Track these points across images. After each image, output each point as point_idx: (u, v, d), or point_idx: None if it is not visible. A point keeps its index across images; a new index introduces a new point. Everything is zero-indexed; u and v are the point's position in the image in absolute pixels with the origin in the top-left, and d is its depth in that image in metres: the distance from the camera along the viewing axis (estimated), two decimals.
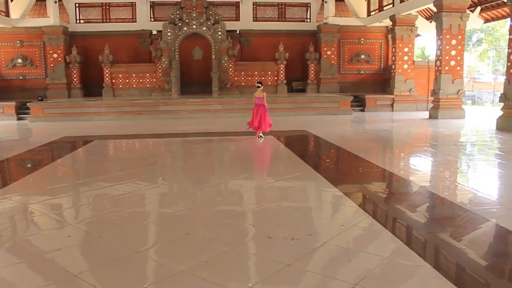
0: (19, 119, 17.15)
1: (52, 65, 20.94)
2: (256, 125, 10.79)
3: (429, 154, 9.14)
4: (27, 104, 16.81)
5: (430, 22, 22.86)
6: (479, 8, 19.55)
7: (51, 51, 20.86)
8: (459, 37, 15.45)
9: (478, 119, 16.14)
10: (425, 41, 43.94)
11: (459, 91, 15.69)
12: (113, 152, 10.29)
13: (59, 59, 20.91)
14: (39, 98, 18.35)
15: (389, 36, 22.04)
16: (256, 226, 4.32)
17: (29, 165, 8.39)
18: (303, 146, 10.73)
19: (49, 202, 5.44)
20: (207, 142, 10.97)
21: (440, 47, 15.52)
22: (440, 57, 15.58)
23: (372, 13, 21.98)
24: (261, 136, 10.81)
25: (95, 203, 5.44)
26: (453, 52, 15.45)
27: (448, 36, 15.34)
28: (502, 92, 12.78)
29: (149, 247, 3.81)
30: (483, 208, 4.91)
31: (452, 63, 15.51)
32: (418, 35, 22.54)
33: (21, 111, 17.44)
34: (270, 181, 6.44)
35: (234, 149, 10.19)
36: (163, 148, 10.62)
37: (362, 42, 22.52)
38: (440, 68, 15.61)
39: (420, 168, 7.79)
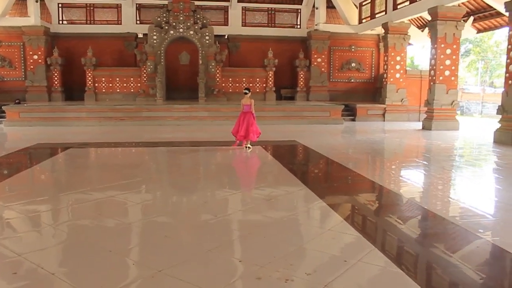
0: None
1: (32, 67, 20.09)
2: (242, 134, 10.14)
3: (427, 168, 8.57)
4: (2, 107, 15.96)
5: (422, 31, 22.60)
6: (472, 18, 19.25)
7: (31, 52, 20.02)
8: (454, 46, 15.02)
9: (473, 131, 15.72)
10: (415, 50, 43.92)
11: (453, 101, 15.24)
12: (88, 162, 9.45)
13: (40, 60, 20.08)
14: (16, 101, 17.54)
15: (381, 44, 21.63)
16: (244, 262, 3.66)
17: None
18: (293, 159, 10.11)
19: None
20: (192, 152, 10.29)
21: (435, 56, 15.07)
22: (434, 67, 15.13)
23: (363, 21, 21.55)
24: (248, 147, 10.16)
25: (57, 228, 4.74)
26: (447, 62, 15.01)
27: (442, 45, 14.90)
28: (500, 104, 12.32)
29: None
30: (474, 223, 4.63)
31: (447, 73, 15.06)
32: (410, 44, 22.16)
33: None
34: (259, 200, 5.78)
35: (220, 161, 9.51)
36: (144, 158, 9.91)
37: (353, 50, 22.07)
38: (434, 78, 15.15)
39: (418, 184, 7.21)
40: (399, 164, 9.37)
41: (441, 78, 15.08)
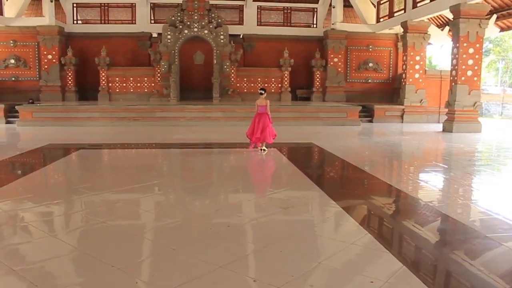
0: (7, 122, 16.16)
1: (46, 66, 20.00)
2: (258, 136, 9.78)
3: (453, 174, 8.12)
4: (16, 107, 15.83)
5: (442, 30, 22.01)
6: (495, 16, 18.59)
7: (45, 52, 19.92)
8: (477, 45, 14.48)
9: (496, 133, 15.15)
10: (433, 50, 43.08)
11: (475, 103, 14.70)
12: (98, 164, 9.13)
13: (54, 60, 19.96)
14: (30, 101, 17.42)
15: (399, 44, 21.10)
16: (258, 281, 3.31)
17: None
18: (310, 162, 9.72)
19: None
20: (205, 154, 9.99)
21: (457, 56, 14.55)
22: (456, 67, 14.60)
23: (381, 20, 21.04)
24: (264, 149, 9.82)
25: (51, 240, 4.45)
26: (470, 62, 14.47)
27: (465, 44, 14.37)
28: None
29: None
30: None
31: (469, 73, 14.52)
32: (429, 43, 21.59)
33: (11, 114, 16.44)
34: (274, 208, 5.42)
35: (234, 164, 9.17)
36: (156, 160, 9.62)
37: (370, 49, 21.57)
38: (456, 78, 14.63)
39: (447, 193, 6.75)
40: (422, 169, 8.91)
41: (463, 78, 14.56)
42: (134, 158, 9.86)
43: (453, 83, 14.91)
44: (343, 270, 3.48)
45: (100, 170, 8.21)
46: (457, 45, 14.52)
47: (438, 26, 22.11)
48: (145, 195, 6.03)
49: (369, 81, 21.68)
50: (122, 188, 6.35)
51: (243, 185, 7.00)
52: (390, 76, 21.81)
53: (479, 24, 14.27)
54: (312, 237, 4.28)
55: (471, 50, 14.44)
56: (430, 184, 7.35)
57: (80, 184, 6.86)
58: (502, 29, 19.76)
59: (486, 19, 14.67)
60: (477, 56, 14.55)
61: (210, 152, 10.38)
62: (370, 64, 21.54)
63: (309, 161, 9.90)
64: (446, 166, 8.81)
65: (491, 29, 18.60)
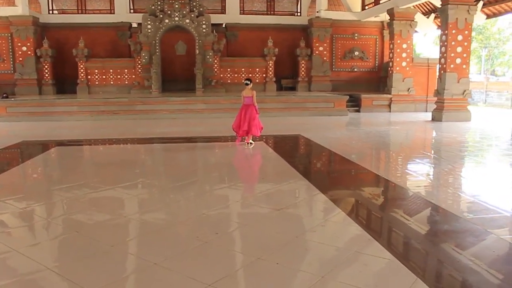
0: None
1: (20, 59, 19.15)
2: (245, 129, 9.30)
3: (451, 167, 7.77)
4: None
5: (427, 17, 21.70)
6: (481, 2, 18.30)
7: (19, 44, 19.06)
8: (466, 32, 14.17)
9: (485, 122, 14.89)
10: (416, 38, 42.92)
11: (465, 91, 14.42)
12: (74, 162, 8.36)
13: (29, 52, 19.12)
14: (4, 95, 16.62)
15: (385, 32, 20.78)
16: None
17: None
18: (300, 156, 9.24)
19: None
20: (189, 149, 9.44)
21: (445, 43, 14.22)
22: (445, 54, 14.27)
23: (366, 7, 20.64)
24: (251, 142, 9.35)
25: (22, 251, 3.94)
26: (459, 49, 14.16)
27: (454, 31, 14.04)
28: None
29: None
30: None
31: (458, 60, 14.21)
32: (415, 31, 21.27)
33: None
34: (267, 211, 4.97)
35: (219, 159, 8.67)
36: (137, 157, 9.05)
37: (356, 38, 21.18)
38: (445, 66, 14.30)
39: (448, 188, 6.39)
40: (417, 160, 8.53)
41: (452, 66, 14.24)
42: (114, 155, 9.27)
43: (442, 71, 14.59)
44: (350, 286, 3.04)
45: (75, 169, 7.64)
46: (446, 32, 14.19)
47: (424, 14, 21.78)
48: (126, 195, 5.54)
49: (355, 70, 21.32)
50: (98, 191, 5.82)
51: (231, 183, 6.51)
52: (376, 64, 21.49)
53: (468, 11, 13.97)
54: (311, 245, 3.83)
55: (459, 37, 14.13)
56: (427, 177, 6.98)
57: (54, 185, 6.33)
58: (488, 16, 19.50)
59: (474, 5, 14.36)
60: (466, 43, 14.25)
61: (194, 146, 9.86)
62: (356, 53, 21.17)
63: (298, 154, 9.46)
64: (440, 157, 8.46)
65: (478, 16, 18.28)
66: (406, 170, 7.64)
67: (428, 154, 9.27)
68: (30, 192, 5.85)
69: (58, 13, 21.25)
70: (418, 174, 7.24)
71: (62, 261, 3.52)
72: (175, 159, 8.46)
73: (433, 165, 7.81)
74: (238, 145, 9.45)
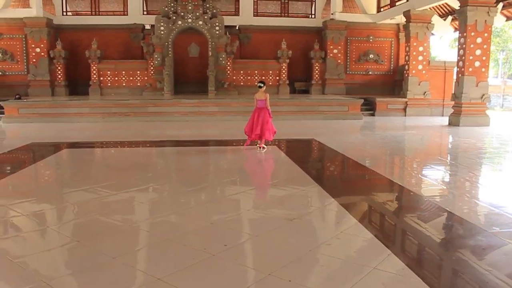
0: None
1: (34, 60, 19.18)
2: (258, 133, 9.07)
3: (474, 175, 7.45)
4: (1, 102, 15.03)
5: (444, 19, 21.28)
6: (501, 4, 17.85)
7: (33, 45, 19.09)
8: (485, 34, 13.79)
9: (504, 127, 14.49)
10: (432, 41, 42.34)
11: (483, 95, 14.02)
12: (79, 167, 8.03)
13: (42, 54, 19.14)
14: (17, 96, 16.64)
15: (401, 34, 20.44)
16: None
17: None
18: (315, 162, 8.97)
19: None
20: (200, 153, 9.24)
21: (464, 46, 13.84)
22: (463, 57, 13.89)
23: (382, 9, 20.32)
24: (263, 147, 9.11)
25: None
26: (478, 52, 13.77)
27: (473, 34, 13.67)
28: None
29: None
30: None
31: (477, 64, 13.82)
32: (432, 34, 20.88)
33: None
34: (279, 221, 4.73)
35: (232, 165, 8.41)
36: (145, 160, 8.86)
37: (371, 40, 20.85)
38: (463, 69, 13.92)
39: (477, 200, 6.05)
40: (439, 167, 8.21)
41: (470, 69, 13.86)
42: (124, 159, 9.09)
43: (460, 75, 14.21)
44: None
45: (83, 172, 7.47)
46: (464, 34, 13.82)
47: (441, 16, 21.36)
48: (135, 201, 5.35)
49: (370, 73, 20.99)
50: (105, 196, 5.63)
51: (242, 190, 6.25)
52: (392, 67, 21.13)
53: (488, 12, 13.58)
54: (326, 260, 3.57)
55: (479, 40, 13.75)
56: (448, 185, 6.67)
57: (59, 189, 6.17)
58: (508, 18, 19.05)
59: (494, 6, 13.97)
60: (485, 46, 13.86)
61: (206, 150, 9.67)
62: (371, 56, 20.84)
63: (311, 159, 9.21)
64: (461, 164, 8.13)
65: (497, 18, 17.86)
66: (427, 178, 7.31)
67: (451, 161, 8.93)
68: (32, 196, 5.67)
69: (72, 15, 21.23)
70: (438, 182, 6.93)
71: (60, 272, 3.32)
72: (186, 163, 8.26)
73: (453, 173, 7.49)
74: (245, 148, 9.23)
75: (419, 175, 7.51)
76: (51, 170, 7.85)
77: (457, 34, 30.32)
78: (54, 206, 5.23)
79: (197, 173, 7.20)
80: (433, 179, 7.13)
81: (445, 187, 6.51)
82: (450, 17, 21.06)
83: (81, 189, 5.91)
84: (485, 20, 13.63)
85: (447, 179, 7.14)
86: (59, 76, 19.41)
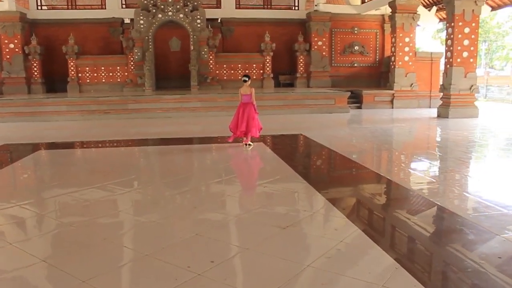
0: None
1: (8, 56, 18.37)
2: (243, 130, 8.65)
3: (470, 168, 7.13)
4: None
5: (429, 10, 21.05)
6: None
7: (6, 41, 18.28)
8: (473, 24, 13.52)
9: (493, 118, 14.28)
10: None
11: (472, 86, 13.77)
12: (56, 169, 7.60)
13: (17, 50, 18.35)
14: None
15: (386, 25, 20.12)
16: None
17: None
18: (304, 159, 8.51)
19: None
20: (183, 152, 8.75)
21: (452, 36, 13.56)
22: (451, 48, 13.61)
23: (366, 0, 19.97)
24: (249, 144, 8.69)
25: None
26: (466, 42, 13.50)
27: (460, 24, 13.38)
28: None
29: None
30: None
31: (465, 54, 13.56)
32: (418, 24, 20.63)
33: None
34: (270, 229, 4.31)
35: (216, 164, 7.96)
36: (126, 161, 8.35)
37: (356, 32, 20.49)
38: (451, 60, 13.65)
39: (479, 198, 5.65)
40: (436, 163, 7.88)
41: (458, 60, 13.59)
42: (101, 160, 8.55)
43: (448, 65, 13.93)
44: None
45: (57, 177, 6.96)
46: (452, 24, 13.53)
47: (425, 6, 21.12)
48: (110, 210, 4.89)
49: (355, 65, 20.66)
50: (77, 205, 5.16)
51: (229, 194, 5.83)
52: (377, 59, 20.82)
53: (475, 2, 13.29)
54: (326, 277, 3.16)
55: (466, 30, 13.47)
56: (458, 186, 6.32)
57: (29, 197, 5.66)
58: (493, 8, 18.87)
59: None
60: (473, 36, 13.60)
61: (189, 149, 9.17)
62: (356, 47, 20.51)
63: (300, 156, 8.78)
64: (456, 158, 7.82)
65: (483, 8, 17.66)
66: (431, 179, 6.97)
67: (444, 154, 8.61)
68: None
69: (47, 9, 20.45)
70: (441, 181, 6.59)
71: None
72: (168, 163, 7.80)
73: (449, 167, 7.16)
74: (234, 145, 8.79)
75: (420, 174, 7.15)
76: (22, 174, 7.32)
77: (441, 25, 30.24)
78: (22, 217, 4.73)
79: (179, 175, 6.72)
80: (432, 176, 6.79)
81: (456, 189, 6.15)
82: (434, 8, 20.86)
83: (53, 196, 5.42)
84: (473, 10, 13.36)
85: (447, 176, 6.79)
86: (35, 73, 18.65)
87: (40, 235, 4.21)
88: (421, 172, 7.09)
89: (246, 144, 8.69)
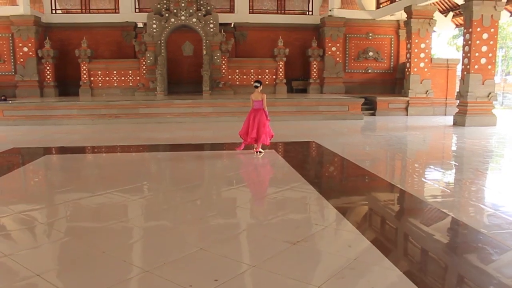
0: None
1: (22, 60, 18.46)
2: (254, 137, 8.43)
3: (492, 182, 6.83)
4: None
5: (445, 16, 20.69)
6: None
7: (20, 44, 18.37)
8: (492, 30, 13.19)
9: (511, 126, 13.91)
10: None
11: (490, 93, 13.42)
12: (59, 177, 7.37)
13: (30, 53, 18.43)
14: (2, 97, 15.91)
15: (401, 31, 19.83)
16: None
17: None
18: (317, 169, 8.16)
19: None
20: (192, 159, 8.55)
21: (469, 42, 13.23)
22: (468, 54, 13.29)
23: (381, 5, 19.69)
24: (260, 151, 8.48)
25: None
26: (484, 48, 13.18)
27: (478, 29, 13.07)
28: None
29: None
30: None
31: (483, 61, 13.23)
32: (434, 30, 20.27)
33: None
34: (280, 244, 4.09)
35: (226, 172, 7.71)
36: (131, 170, 8.16)
37: (370, 37, 20.21)
38: (468, 67, 13.32)
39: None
40: (451, 175, 7.59)
41: (476, 67, 13.26)
42: (109, 166, 8.36)
43: (465, 72, 13.60)
44: None
45: (63, 184, 6.81)
46: (470, 30, 13.21)
47: (442, 12, 20.76)
48: (111, 220, 4.70)
49: (369, 71, 20.36)
50: (77, 220, 4.98)
51: (238, 204, 5.61)
52: (392, 65, 20.51)
53: (494, 7, 12.97)
54: None
55: (485, 36, 13.16)
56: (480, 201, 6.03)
57: (32, 204, 5.50)
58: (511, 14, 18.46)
59: (500, 0, 13.35)
60: (491, 42, 13.26)
61: (199, 156, 8.96)
62: (370, 53, 20.21)
63: (313, 165, 8.49)
64: (475, 169, 7.51)
65: (502, 14, 17.29)
66: (446, 189, 6.69)
67: (461, 165, 8.30)
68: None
69: (62, 13, 20.52)
70: (457, 192, 6.30)
71: None
72: (177, 170, 7.61)
73: (471, 180, 6.86)
74: (239, 152, 8.59)
75: (441, 186, 6.86)
76: (28, 179, 7.18)
77: (457, 31, 29.78)
78: (22, 226, 4.56)
79: (187, 183, 6.51)
80: (449, 187, 6.50)
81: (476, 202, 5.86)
82: (451, 13, 20.48)
83: (56, 203, 5.26)
84: (492, 15, 13.04)
85: (464, 187, 6.49)
86: (48, 77, 18.70)
87: (34, 247, 4.02)
88: (439, 182, 6.80)
89: (256, 152, 8.48)
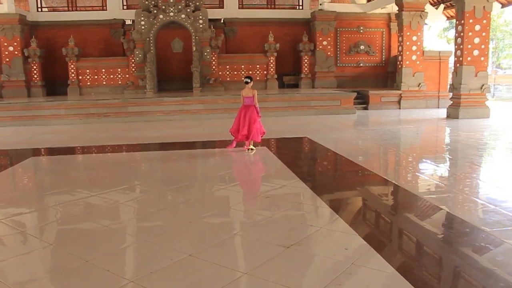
0: None
1: (7, 59, 18.06)
2: (245, 134, 8.23)
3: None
4: None
5: (436, 8, 20.58)
6: None
7: (5, 43, 17.96)
8: (484, 21, 13.05)
9: (506, 119, 13.79)
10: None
11: (483, 85, 13.31)
12: (41, 182, 7.08)
13: (16, 52, 18.03)
14: None
15: (392, 24, 19.69)
16: None
17: None
18: (311, 167, 7.93)
19: None
20: (182, 158, 8.34)
21: (462, 34, 13.10)
22: (461, 46, 13.16)
23: None
24: (251, 148, 8.28)
25: None
26: (476, 40, 13.04)
27: (471, 21, 12.92)
28: None
29: None
30: None
31: (475, 52, 13.10)
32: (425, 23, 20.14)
33: None
34: (273, 247, 3.90)
35: (216, 171, 7.52)
36: (118, 171, 7.92)
37: (361, 31, 20.04)
38: (461, 59, 13.19)
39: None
40: (451, 168, 7.43)
41: (469, 59, 13.14)
42: (96, 167, 8.10)
43: (457, 64, 13.47)
44: None
45: (47, 188, 6.58)
46: (462, 21, 13.06)
47: (432, 4, 20.64)
48: (96, 223, 4.49)
49: (361, 65, 20.20)
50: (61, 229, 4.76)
51: (229, 205, 5.43)
52: (383, 59, 20.36)
53: None
54: None
55: (477, 27, 13.01)
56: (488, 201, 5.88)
57: (12, 209, 5.28)
58: (503, 5, 18.35)
59: None
60: (484, 34, 13.13)
61: (190, 154, 8.73)
62: (362, 47, 20.05)
63: (306, 163, 8.29)
64: (472, 163, 7.37)
65: (494, 5, 17.19)
66: (447, 186, 6.54)
67: (455, 158, 8.16)
68: None
69: (48, 11, 20.16)
70: (452, 186, 6.15)
71: None
72: (166, 171, 7.40)
73: (468, 174, 6.71)
74: (230, 151, 8.39)
75: (442, 183, 6.71)
76: (14, 183, 6.94)
77: (448, 23, 29.72)
78: (6, 233, 4.34)
79: (177, 183, 6.28)
80: (442, 181, 6.35)
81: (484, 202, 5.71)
82: (442, 6, 20.38)
83: (43, 207, 5.03)
84: (484, 6, 12.91)
85: (458, 181, 6.34)
86: (35, 76, 18.33)
87: (16, 255, 3.81)
88: (433, 177, 6.65)
89: (248, 149, 8.29)
